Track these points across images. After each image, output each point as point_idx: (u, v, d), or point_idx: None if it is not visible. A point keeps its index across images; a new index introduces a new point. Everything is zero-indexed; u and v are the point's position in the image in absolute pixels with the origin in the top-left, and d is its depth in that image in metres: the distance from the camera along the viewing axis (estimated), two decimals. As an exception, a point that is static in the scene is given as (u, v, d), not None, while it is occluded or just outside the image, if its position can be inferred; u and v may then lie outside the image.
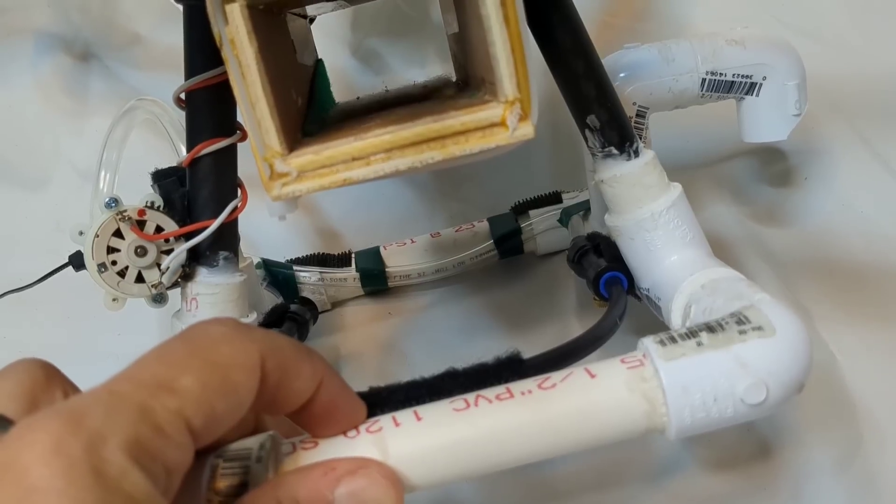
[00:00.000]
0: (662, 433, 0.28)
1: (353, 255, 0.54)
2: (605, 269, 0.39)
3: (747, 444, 0.41)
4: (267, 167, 0.27)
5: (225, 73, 0.33)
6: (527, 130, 0.27)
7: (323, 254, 0.54)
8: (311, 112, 0.35)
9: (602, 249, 0.41)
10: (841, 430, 0.40)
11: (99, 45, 0.63)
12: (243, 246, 0.44)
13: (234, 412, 0.24)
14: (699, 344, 0.28)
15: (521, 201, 0.55)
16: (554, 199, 0.54)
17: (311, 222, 0.60)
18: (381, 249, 0.54)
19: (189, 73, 0.34)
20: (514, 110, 0.27)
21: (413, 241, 0.55)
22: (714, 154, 0.56)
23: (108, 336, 0.52)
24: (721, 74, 0.44)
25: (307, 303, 0.50)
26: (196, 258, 0.35)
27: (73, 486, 0.19)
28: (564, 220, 0.52)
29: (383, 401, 0.30)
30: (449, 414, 0.28)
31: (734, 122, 0.48)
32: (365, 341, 0.51)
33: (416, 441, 0.28)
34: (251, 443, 0.28)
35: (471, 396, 0.29)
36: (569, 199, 0.54)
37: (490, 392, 0.29)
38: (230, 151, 0.35)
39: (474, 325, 0.51)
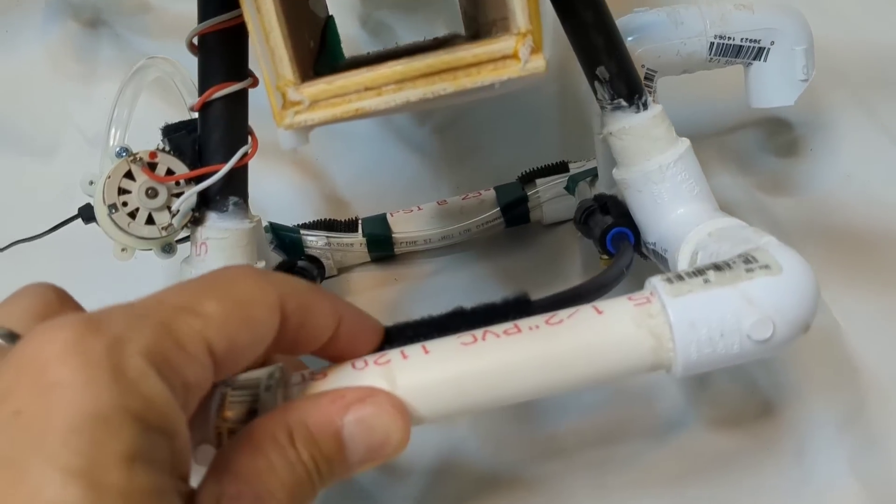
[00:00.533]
0: (668, 370, 0.29)
1: (359, 221, 0.54)
2: (611, 226, 0.40)
3: (751, 403, 0.41)
4: (279, 96, 0.27)
5: (238, 16, 0.33)
6: (538, 63, 0.27)
7: (330, 219, 0.55)
8: (322, 59, 0.35)
9: (609, 207, 0.41)
10: (844, 391, 0.41)
11: (108, 12, 0.63)
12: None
13: (255, 347, 0.25)
14: (706, 281, 0.28)
15: (528, 171, 0.55)
16: (561, 168, 0.54)
17: (318, 189, 0.60)
18: (388, 216, 0.54)
19: (202, 17, 0.34)
20: (526, 42, 0.27)
21: (420, 209, 0.55)
22: (720, 124, 0.56)
23: (117, 298, 0.53)
24: (729, 38, 0.44)
25: (314, 260, 0.51)
26: (206, 203, 0.36)
27: (92, 383, 0.20)
28: (571, 187, 0.52)
29: (392, 337, 0.31)
30: (456, 348, 0.28)
31: (741, 93, 0.48)
32: (370, 305, 0.51)
33: (423, 373, 0.28)
34: (260, 373, 0.29)
35: (478, 332, 0.29)
36: (576, 169, 0.54)
37: (498, 328, 0.29)
38: (241, 97, 0.35)
39: (480, 290, 0.51)
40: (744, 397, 0.41)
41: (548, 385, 0.28)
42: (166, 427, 0.21)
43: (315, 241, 0.53)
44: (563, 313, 0.29)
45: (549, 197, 0.54)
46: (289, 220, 0.54)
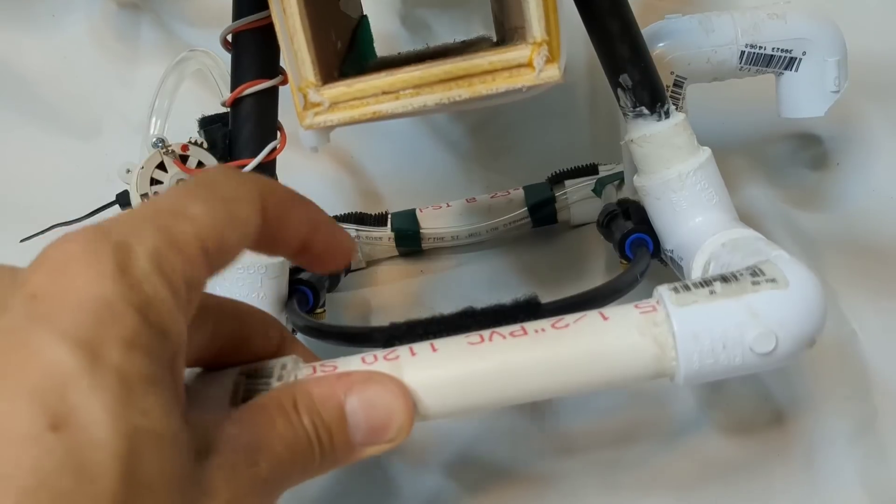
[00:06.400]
0: (671, 379, 0.29)
1: (389, 216, 0.55)
2: (631, 231, 0.40)
3: (764, 410, 0.41)
4: (301, 97, 0.28)
5: (270, 16, 0.34)
6: (553, 73, 0.28)
7: (360, 213, 0.56)
8: (350, 58, 0.36)
9: (630, 213, 0.42)
10: (857, 402, 0.41)
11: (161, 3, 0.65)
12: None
13: (241, 242, 0.26)
14: (712, 293, 0.29)
15: (557, 171, 0.56)
16: (590, 170, 0.55)
17: (353, 183, 0.61)
18: (417, 212, 0.55)
19: (237, 15, 0.35)
20: (541, 52, 0.27)
21: (448, 206, 0.56)
22: (750, 134, 0.56)
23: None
24: (760, 48, 0.44)
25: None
26: (234, 195, 0.37)
27: (102, 276, 0.21)
28: (598, 189, 0.53)
29: (402, 334, 0.31)
30: (464, 347, 0.29)
31: (771, 104, 0.48)
32: (395, 296, 0.53)
33: (430, 371, 0.29)
34: (273, 363, 0.30)
35: (486, 332, 0.30)
36: (605, 171, 0.54)
37: (505, 329, 0.30)
38: (272, 94, 0.36)
39: (503, 286, 0.52)
40: (756, 404, 0.42)
41: (551, 388, 0.29)
42: (164, 324, 0.22)
43: (344, 234, 0.54)
44: (569, 318, 0.30)
45: (577, 199, 0.54)
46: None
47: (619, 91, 0.37)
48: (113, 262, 0.21)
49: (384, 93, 0.28)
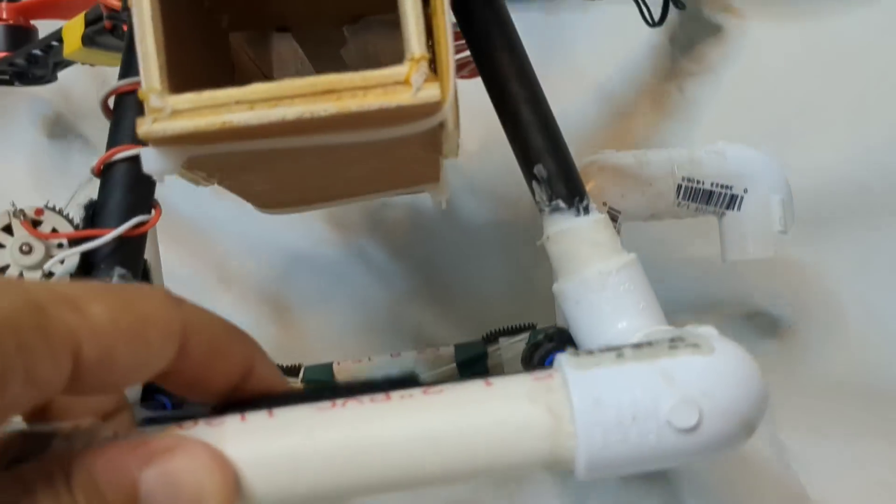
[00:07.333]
0: (571, 462, 0.23)
1: (302, 368, 0.50)
2: (551, 350, 0.35)
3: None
4: (145, 104, 0.24)
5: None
6: (432, 92, 0.24)
7: (271, 362, 0.50)
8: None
9: (554, 336, 0.37)
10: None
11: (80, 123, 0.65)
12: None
13: (136, 370, 0.21)
14: (619, 356, 0.23)
15: (493, 330, 0.51)
16: (528, 329, 0.50)
17: (274, 332, 0.57)
18: (335, 364, 0.50)
19: (122, 77, 0.33)
20: (419, 69, 0.24)
21: (370, 360, 0.50)
22: (699, 302, 0.52)
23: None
24: (699, 182, 0.42)
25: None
26: (88, 270, 0.32)
27: None
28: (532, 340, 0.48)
29: (249, 407, 0.25)
30: (307, 413, 0.23)
31: (718, 271, 0.45)
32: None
33: (261, 440, 0.22)
34: (65, 424, 0.23)
35: (341, 399, 0.24)
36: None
37: (365, 396, 0.24)
38: (149, 163, 0.33)
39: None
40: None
41: (415, 469, 0.23)
42: None
43: (249, 382, 0.48)
44: (447, 385, 0.24)
45: (511, 355, 0.49)
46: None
47: (534, 183, 0.34)
48: None
49: (237, 102, 0.24)
